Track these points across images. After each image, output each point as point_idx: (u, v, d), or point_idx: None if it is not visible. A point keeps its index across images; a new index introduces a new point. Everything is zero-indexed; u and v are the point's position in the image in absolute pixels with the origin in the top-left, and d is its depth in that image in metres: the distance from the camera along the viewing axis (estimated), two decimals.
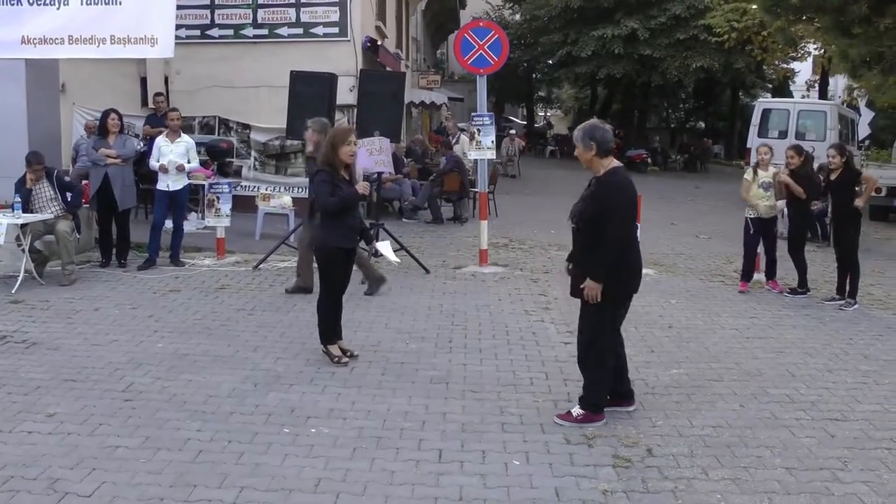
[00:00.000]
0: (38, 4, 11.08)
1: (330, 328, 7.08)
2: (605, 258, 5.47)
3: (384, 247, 7.83)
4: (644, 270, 10.80)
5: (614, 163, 5.65)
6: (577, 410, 5.73)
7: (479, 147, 11.55)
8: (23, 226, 9.66)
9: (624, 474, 4.90)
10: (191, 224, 13.12)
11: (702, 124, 54.24)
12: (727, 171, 36.20)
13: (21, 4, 11.11)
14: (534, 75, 49.74)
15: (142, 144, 13.14)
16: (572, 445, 5.33)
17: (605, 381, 5.82)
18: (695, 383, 6.66)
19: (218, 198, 11.55)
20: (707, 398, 6.31)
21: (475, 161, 12.53)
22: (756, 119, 22.02)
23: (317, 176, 6.98)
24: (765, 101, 24.98)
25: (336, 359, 6.92)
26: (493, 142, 11.69)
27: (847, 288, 9.78)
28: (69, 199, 10.05)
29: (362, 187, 7.14)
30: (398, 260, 7.78)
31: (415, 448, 5.24)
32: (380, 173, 11.70)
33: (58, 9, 11.04)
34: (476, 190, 14.41)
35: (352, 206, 7.04)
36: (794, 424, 5.80)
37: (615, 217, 5.46)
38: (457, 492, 4.65)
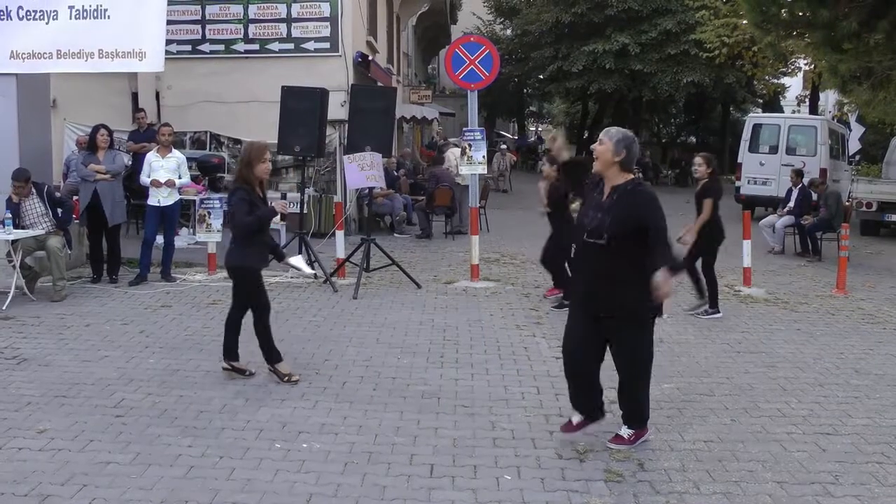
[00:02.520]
0: (28, 19, 11.11)
1: (271, 348, 6.92)
2: (674, 257, 5.19)
3: (297, 260, 7.61)
4: None
5: (632, 175, 5.41)
6: (626, 431, 5.60)
7: (470, 162, 11.57)
8: (13, 242, 9.64)
9: (616, 489, 4.91)
10: (182, 239, 13.12)
11: (693, 139, 54.32)
12: None
13: (10, 19, 11.13)
14: (525, 90, 49.85)
15: (128, 160, 13.14)
16: (564, 460, 5.33)
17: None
18: (686, 398, 6.66)
19: (209, 213, 11.53)
20: (698, 412, 6.31)
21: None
22: (747, 134, 22.13)
23: (234, 195, 6.86)
24: (755, 116, 25.09)
25: (286, 377, 6.84)
26: (484, 156, 11.72)
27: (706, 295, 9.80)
28: (59, 215, 10.04)
29: (280, 205, 7.06)
30: (313, 271, 7.67)
31: (406, 463, 5.23)
32: (371, 188, 11.72)
33: (47, 23, 11.07)
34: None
35: (265, 225, 7.01)
36: (785, 438, 5.81)
37: (662, 222, 5.15)
38: None
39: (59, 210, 10.07)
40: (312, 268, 8.23)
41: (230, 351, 6.92)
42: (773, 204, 18.37)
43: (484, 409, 6.31)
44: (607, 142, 5.31)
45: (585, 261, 5.44)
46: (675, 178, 38.55)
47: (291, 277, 11.25)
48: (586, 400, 5.65)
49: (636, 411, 5.62)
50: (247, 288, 6.89)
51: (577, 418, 5.65)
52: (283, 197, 14.78)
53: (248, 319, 6.90)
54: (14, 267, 9.73)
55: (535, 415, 6.20)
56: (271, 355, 6.89)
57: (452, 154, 17.31)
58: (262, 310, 6.89)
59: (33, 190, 9.96)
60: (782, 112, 36.73)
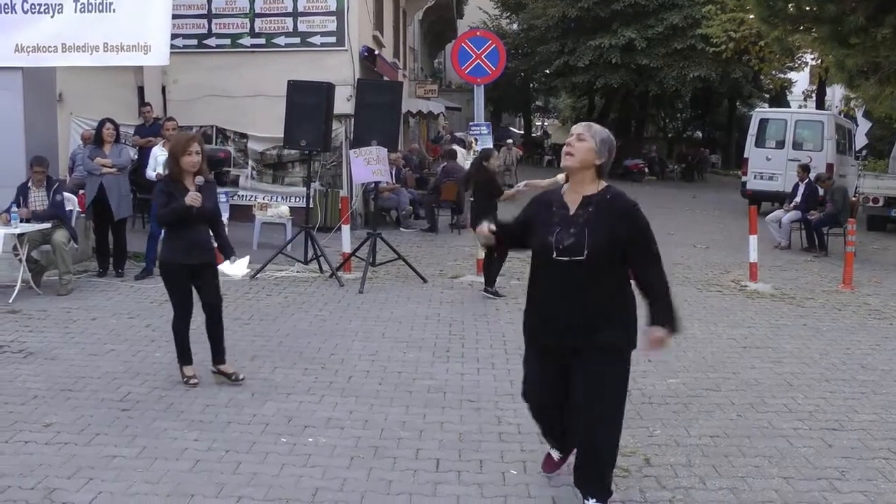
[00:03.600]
0: (33, 13, 11.10)
1: (178, 349, 6.68)
2: (667, 296, 4.33)
3: (226, 266, 6.95)
4: None
5: (606, 182, 4.46)
6: None
7: (476, 156, 11.56)
8: (20, 235, 9.66)
9: (622, 484, 4.89)
10: None
11: (699, 134, 54.41)
12: (725, 181, 36.27)
13: (15, 12, 11.13)
14: (531, 85, 49.81)
15: (134, 154, 13.15)
16: (570, 455, 5.31)
17: None
18: (692, 393, 6.65)
19: None
20: (705, 408, 6.30)
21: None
22: (753, 129, 22.09)
23: (157, 187, 6.86)
24: (762, 111, 25.03)
25: (186, 378, 6.62)
26: None
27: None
28: (46, 209, 10.01)
29: (191, 198, 6.37)
30: (243, 272, 7.11)
31: (412, 458, 5.23)
32: (377, 183, 11.71)
33: (52, 17, 11.06)
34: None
35: (195, 219, 6.49)
36: (791, 434, 5.79)
37: (654, 246, 4.37)
38: (454, 501, 4.65)
39: (55, 200, 10.03)
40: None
41: (179, 353, 6.71)
42: (779, 199, 18.33)
43: (490, 403, 6.31)
44: (589, 139, 4.36)
45: (554, 285, 4.39)
46: (681, 172, 38.47)
47: (297, 272, 11.26)
48: (562, 434, 4.84)
49: (606, 479, 4.47)
50: (165, 284, 6.68)
51: (556, 454, 4.98)
52: (288, 195, 14.75)
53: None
54: (20, 260, 9.74)
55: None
56: (181, 356, 6.69)
57: (460, 153, 17.30)
58: (176, 309, 6.63)
59: (45, 179, 9.99)
60: (789, 107, 36.71)
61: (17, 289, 9.56)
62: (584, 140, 4.36)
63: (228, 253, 6.92)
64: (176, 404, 6.17)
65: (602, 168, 4.39)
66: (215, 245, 6.87)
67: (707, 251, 14.71)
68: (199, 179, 6.48)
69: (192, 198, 6.36)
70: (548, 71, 41.48)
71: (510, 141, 33.18)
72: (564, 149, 4.41)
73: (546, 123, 69.38)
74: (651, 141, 47.04)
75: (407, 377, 6.90)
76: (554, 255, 4.28)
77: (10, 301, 9.32)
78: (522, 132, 55.57)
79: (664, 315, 4.27)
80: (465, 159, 14.72)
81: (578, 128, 4.44)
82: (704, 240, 16.14)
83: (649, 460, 5.27)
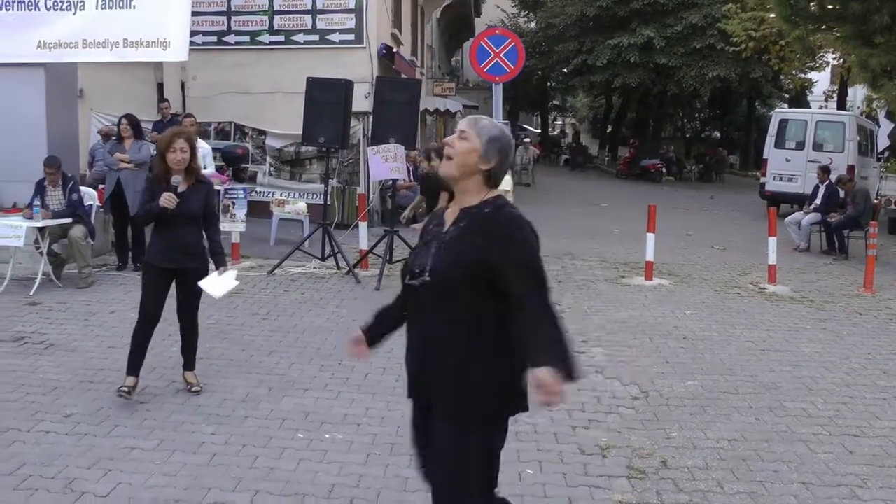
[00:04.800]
0: (55, 10, 11.20)
1: (130, 356, 6.17)
2: (553, 334, 3.14)
3: (206, 283, 6.26)
4: (658, 281, 11.01)
5: (497, 192, 3.40)
6: None
7: None
8: (41, 229, 9.73)
9: (638, 486, 4.89)
10: None
11: (717, 134, 54.14)
12: (743, 182, 36.09)
13: (38, 10, 11.24)
14: (548, 83, 49.69)
15: (153, 150, 13.21)
16: (586, 455, 5.31)
17: None
18: (710, 395, 6.62)
19: (233, 203, 11.60)
20: (722, 410, 6.27)
21: None
22: (773, 129, 21.93)
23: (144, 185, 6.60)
24: (782, 112, 24.88)
25: (119, 387, 6.08)
26: None
27: None
28: (65, 209, 10.05)
29: (164, 199, 5.93)
30: (225, 291, 6.33)
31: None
32: (395, 180, 11.72)
33: (74, 13, 11.16)
34: None
35: (176, 221, 6.07)
36: (811, 439, 5.75)
37: (530, 272, 3.21)
38: None
39: (72, 199, 10.09)
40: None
41: (129, 357, 6.22)
42: (799, 201, 18.21)
43: None
44: (473, 137, 3.31)
45: (409, 321, 3.50)
46: (699, 173, 38.29)
47: (315, 268, 11.28)
48: None
49: None
50: (142, 283, 6.28)
51: None
52: (303, 191, 14.74)
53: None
54: (41, 253, 9.82)
55: (556, 410, 6.16)
56: (129, 364, 6.17)
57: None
58: (140, 312, 6.20)
59: (59, 178, 10.05)
60: (809, 107, 36.46)
61: (37, 281, 9.63)
62: (467, 139, 3.33)
63: (218, 262, 6.39)
64: (193, 398, 6.20)
65: (491, 174, 3.35)
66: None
67: (725, 252, 14.64)
68: (176, 178, 6.07)
69: (166, 199, 5.94)
70: (565, 70, 41.35)
71: (527, 140, 33.18)
72: (445, 150, 3.40)
73: (564, 122, 69.20)
74: (669, 141, 46.90)
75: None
76: (406, 280, 3.41)
77: (31, 293, 9.39)
78: (540, 131, 55.45)
79: (546, 350, 3.09)
80: None
81: (463, 123, 3.42)
82: (722, 241, 16.06)
83: (666, 462, 5.25)
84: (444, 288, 3.24)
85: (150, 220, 6.17)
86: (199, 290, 6.27)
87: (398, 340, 3.37)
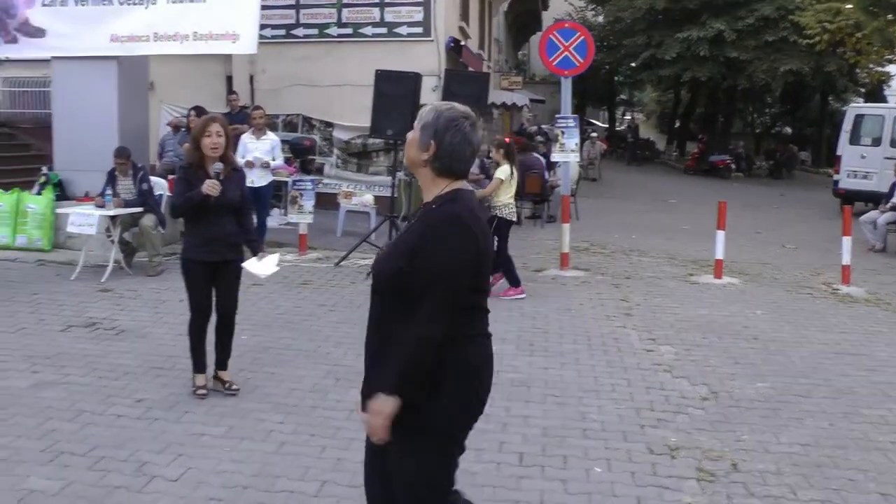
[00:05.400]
0: (128, 4, 11.43)
1: (193, 354, 6.12)
2: (406, 355, 2.97)
3: (251, 264, 6.28)
4: (728, 279, 10.83)
5: (458, 185, 3.15)
6: None
7: (562, 149, 11.48)
8: (112, 217, 9.91)
9: (708, 488, 4.80)
10: (274, 220, 13.30)
11: (788, 129, 53.09)
12: (814, 179, 35.38)
13: (111, 4, 11.47)
14: (616, 78, 49.29)
15: None
16: (655, 455, 5.23)
17: None
18: (781, 398, 6.46)
19: (301, 194, 11.69)
20: (795, 414, 6.11)
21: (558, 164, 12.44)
22: (847, 125, 21.36)
23: (176, 174, 6.38)
24: (857, 107, 24.29)
25: (195, 388, 6.07)
26: (577, 144, 11.62)
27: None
28: (136, 199, 10.22)
29: (207, 186, 5.79)
30: (270, 271, 6.35)
31: (496, 450, 5.21)
32: None
33: (146, 7, 11.37)
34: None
35: (215, 211, 5.91)
36: (890, 448, 5.54)
37: (437, 283, 2.95)
38: (538, 496, 4.61)
39: (142, 189, 10.27)
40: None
41: (192, 358, 6.16)
42: (874, 199, 17.73)
43: (574, 399, 6.24)
44: (416, 128, 3.18)
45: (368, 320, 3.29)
46: (768, 170, 37.63)
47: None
48: None
49: None
50: (184, 282, 6.09)
51: None
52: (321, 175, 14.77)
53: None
54: (113, 242, 10.01)
55: (625, 407, 6.11)
56: (194, 363, 6.14)
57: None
58: (193, 310, 6.08)
59: (129, 168, 10.23)
60: (886, 102, 35.56)
61: (109, 269, 9.83)
62: (413, 129, 3.21)
63: (255, 248, 6.34)
64: (262, 386, 6.26)
65: (435, 165, 3.12)
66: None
67: (796, 252, 14.35)
68: (218, 165, 5.91)
69: (209, 186, 5.78)
70: (633, 64, 40.99)
71: (594, 135, 32.94)
72: None
73: (631, 116, 68.52)
74: (738, 136, 46.06)
75: None
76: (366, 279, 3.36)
77: (103, 280, 9.58)
78: (607, 126, 55.02)
79: (385, 375, 3.02)
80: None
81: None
82: (793, 240, 15.74)
83: (737, 466, 5.13)
84: (380, 294, 3.17)
85: (189, 210, 5.93)
86: (238, 284, 6.22)
87: None
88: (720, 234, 11.00)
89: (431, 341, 2.96)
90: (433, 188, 3.14)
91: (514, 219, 10.08)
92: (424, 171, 3.16)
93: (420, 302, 2.95)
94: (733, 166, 35.47)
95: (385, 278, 3.12)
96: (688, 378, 6.83)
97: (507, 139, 10.59)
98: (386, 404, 2.99)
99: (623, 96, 62.73)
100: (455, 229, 3.00)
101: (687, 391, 6.52)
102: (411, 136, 3.18)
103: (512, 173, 9.69)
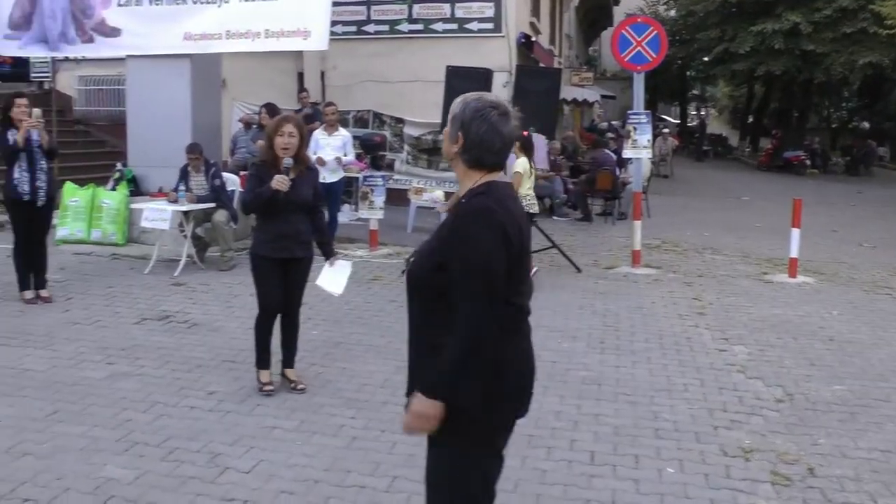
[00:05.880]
0: (201, 3, 11.58)
1: (258, 350, 6.14)
2: (452, 354, 2.85)
3: (324, 280, 6.25)
4: (803, 278, 10.61)
5: (492, 178, 3.03)
6: None
7: (634, 146, 11.36)
8: (185, 213, 10.08)
9: (784, 493, 4.69)
10: (345, 216, 13.39)
11: (866, 124, 51.77)
12: (893, 176, 34.51)
13: (185, 3, 11.64)
14: (688, 73, 48.64)
15: None
16: (729, 458, 5.14)
17: None
18: (860, 402, 6.28)
19: (372, 190, 11.75)
20: (874, 419, 5.93)
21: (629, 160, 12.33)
22: None
23: (248, 171, 6.41)
24: None
25: (261, 385, 6.05)
26: (649, 140, 11.50)
27: None
28: (208, 194, 10.39)
29: (276, 182, 5.80)
30: (342, 288, 6.27)
31: (567, 448, 5.18)
32: None
33: (218, 6, 11.50)
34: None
35: (286, 208, 5.91)
36: None
37: (470, 276, 2.83)
38: (609, 496, 4.57)
39: (214, 184, 10.43)
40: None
41: (257, 355, 6.18)
42: None
43: (645, 398, 6.17)
44: (449, 122, 3.10)
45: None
46: (845, 166, 36.78)
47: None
48: None
49: None
50: (253, 278, 6.12)
51: None
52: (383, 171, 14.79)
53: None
54: (185, 236, 10.18)
55: (698, 407, 6.02)
56: (259, 358, 6.15)
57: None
58: (261, 307, 6.12)
59: (201, 164, 10.38)
60: None
61: (182, 263, 10.00)
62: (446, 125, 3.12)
63: (328, 252, 6.29)
64: (333, 381, 6.30)
65: (465, 156, 3.02)
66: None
67: (874, 251, 13.98)
68: (288, 161, 5.88)
69: (279, 181, 5.80)
70: (706, 58, 40.40)
71: (666, 130, 32.60)
72: None
73: (703, 112, 67.59)
74: (813, 132, 45.14)
75: (561, 367, 6.83)
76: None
77: (176, 274, 9.76)
78: (679, 121, 54.33)
79: (429, 376, 2.94)
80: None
81: None
82: (871, 239, 15.35)
83: (813, 471, 5.01)
84: (413, 296, 3.09)
85: (259, 206, 5.98)
86: (305, 282, 6.22)
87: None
88: (795, 232, 10.78)
89: (476, 340, 2.84)
90: (466, 181, 3.04)
91: (536, 210, 10.05)
92: (458, 164, 3.07)
93: (459, 302, 2.84)
94: (808, 162, 34.74)
95: (420, 278, 3.03)
96: (762, 379, 6.70)
97: (524, 132, 10.51)
98: (426, 406, 2.91)
99: (695, 91, 61.89)
100: (484, 223, 2.87)
101: (761, 392, 6.39)
102: (446, 130, 3.11)
103: (531, 165, 9.69)
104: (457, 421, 2.94)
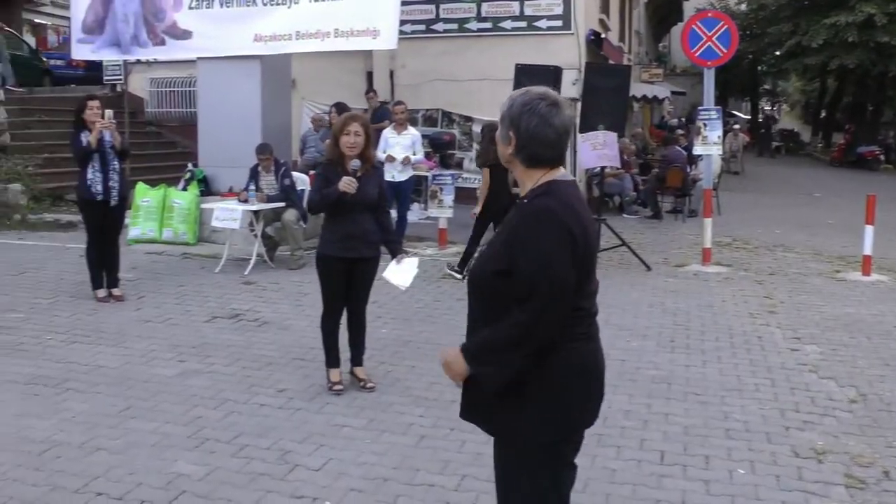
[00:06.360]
0: (271, 4, 11.69)
1: (326, 349, 6.19)
2: (495, 334, 2.85)
3: (391, 274, 6.13)
4: (877, 276, 10.38)
5: (555, 175, 2.95)
6: None
7: (705, 142, 11.23)
8: (255, 212, 10.22)
9: (858, 496, 4.59)
10: (414, 214, 13.45)
11: None
12: None
13: (255, 5, 11.78)
14: (759, 67, 47.84)
15: None
16: (801, 459, 5.05)
17: None
18: None
19: (441, 189, 11.78)
20: None
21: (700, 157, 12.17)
22: None
23: (316, 170, 6.42)
24: None
25: (331, 384, 6.10)
26: (719, 136, 11.35)
27: None
28: (278, 194, 10.52)
29: (344, 183, 5.77)
30: (409, 281, 6.13)
31: (636, 448, 5.15)
32: (602, 168, 11.59)
33: (288, 7, 11.60)
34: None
35: (352, 208, 5.91)
36: None
37: (533, 279, 2.76)
38: (679, 496, 4.53)
39: (284, 184, 10.56)
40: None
41: (326, 354, 6.23)
42: None
43: (716, 398, 6.10)
44: (499, 125, 3.04)
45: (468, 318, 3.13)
46: None
47: None
48: None
49: None
50: (319, 277, 6.14)
51: None
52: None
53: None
54: (256, 236, 10.32)
55: (769, 408, 5.93)
56: (328, 358, 6.20)
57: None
58: (325, 306, 6.16)
59: (271, 164, 10.52)
60: None
61: (252, 262, 10.15)
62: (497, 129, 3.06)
63: (395, 250, 6.21)
64: (402, 380, 6.34)
65: (521, 156, 2.95)
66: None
67: None
68: (356, 163, 5.86)
69: (346, 183, 5.76)
70: (778, 52, 39.72)
71: (737, 126, 32.13)
72: None
73: (775, 108, 66.47)
74: (888, 126, 44.03)
75: (630, 366, 6.78)
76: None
77: (246, 273, 9.90)
78: (749, 117, 53.49)
79: (472, 343, 2.94)
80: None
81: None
82: None
83: (889, 474, 4.89)
84: (475, 296, 3.01)
85: (325, 207, 5.99)
86: (371, 282, 6.24)
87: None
88: (868, 230, 10.55)
89: (525, 335, 2.79)
90: (527, 181, 2.95)
91: None
92: (516, 166, 2.99)
93: (520, 302, 2.78)
94: (882, 157, 33.98)
95: (482, 281, 2.95)
96: (835, 379, 6.58)
97: None
98: (457, 362, 2.94)
99: (766, 87, 60.86)
100: (547, 224, 2.79)
101: (834, 393, 6.28)
102: (498, 133, 3.02)
103: None
104: (519, 432, 2.95)
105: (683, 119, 28.10)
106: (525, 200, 2.91)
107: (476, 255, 2.73)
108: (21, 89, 17.27)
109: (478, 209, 9.95)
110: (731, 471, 4.87)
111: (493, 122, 11.45)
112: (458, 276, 9.77)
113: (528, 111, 2.89)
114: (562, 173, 2.97)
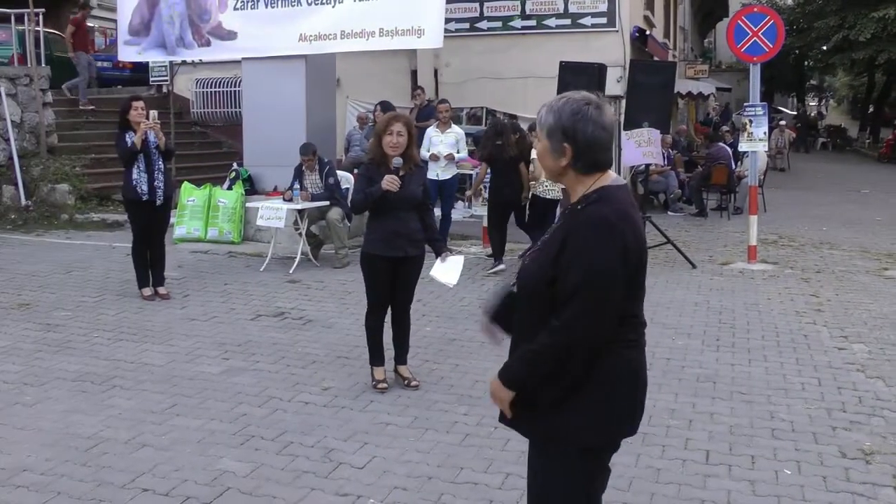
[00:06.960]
0: (316, 4, 11.77)
1: (371, 347, 6.24)
2: (537, 346, 2.82)
3: (438, 271, 6.12)
4: None
5: (608, 180, 2.90)
6: None
7: (750, 139, 11.13)
8: (300, 211, 10.29)
9: None
10: (458, 212, 13.45)
11: None
12: None
13: (300, 5, 11.87)
14: (806, 63, 47.25)
15: None
16: (848, 460, 4.99)
17: None
18: None
19: (485, 187, 11.76)
20: None
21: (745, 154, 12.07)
22: None
23: (359, 170, 6.38)
24: None
25: (375, 382, 6.13)
26: (765, 133, 11.24)
27: None
28: (323, 193, 10.58)
29: (387, 182, 5.79)
30: (456, 278, 6.11)
31: (681, 447, 5.12)
32: (647, 165, 11.53)
33: (333, 7, 11.67)
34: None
35: (395, 207, 5.92)
36: None
37: (583, 289, 2.73)
38: (724, 496, 4.50)
39: (328, 183, 10.60)
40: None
41: (370, 352, 6.28)
42: None
43: (762, 397, 6.05)
44: (541, 136, 2.94)
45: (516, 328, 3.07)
46: None
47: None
48: None
49: None
50: (364, 276, 6.18)
51: None
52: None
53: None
54: (300, 234, 10.40)
55: (815, 407, 5.87)
56: (373, 356, 6.24)
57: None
58: (371, 305, 6.20)
59: (315, 164, 10.59)
60: None
61: (297, 260, 10.23)
62: (538, 139, 2.97)
63: (439, 248, 6.22)
64: (446, 378, 6.36)
65: (577, 165, 2.87)
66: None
67: None
68: (398, 161, 5.85)
69: (389, 181, 5.78)
70: (825, 47, 39.14)
71: (783, 122, 31.77)
72: None
73: (820, 103, 65.64)
74: None
75: (675, 364, 6.75)
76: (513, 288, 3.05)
77: (291, 272, 9.98)
78: (795, 113, 52.85)
79: (507, 364, 2.97)
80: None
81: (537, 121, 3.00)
82: None
83: None
84: (525, 301, 2.95)
85: (369, 205, 6.00)
86: (416, 281, 6.26)
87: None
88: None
89: (569, 346, 2.78)
90: (579, 188, 2.89)
91: (555, 195, 10.03)
92: (567, 176, 2.92)
93: (568, 308, 2.74)
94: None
95: (533, 289, 2.89)
96: (883, 378, 6.49)
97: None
98: (496, 388, 2.94)
99: (813, 82, 60.11)
100: (602, 233, 2.74)
101: (882, 392, 6.19)
102: (539, 147, 2.95)
103: None
104: (557, 436, 2.92)
105: (718, 117, 27.78)
106: (579, 207, 2.85)
107: (524, 260, 2.66)
108: (91, 107, 17.55)
109: (469, 193, 9.96)
110: (777, 471, 4.83)
111: (500, 120, 11.48)
112: (501, 267, 10.02)
113: (581, 119, 2.83)
114: (613, 178, 2.91)
